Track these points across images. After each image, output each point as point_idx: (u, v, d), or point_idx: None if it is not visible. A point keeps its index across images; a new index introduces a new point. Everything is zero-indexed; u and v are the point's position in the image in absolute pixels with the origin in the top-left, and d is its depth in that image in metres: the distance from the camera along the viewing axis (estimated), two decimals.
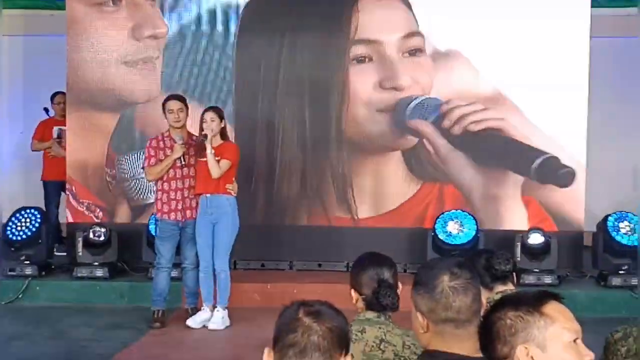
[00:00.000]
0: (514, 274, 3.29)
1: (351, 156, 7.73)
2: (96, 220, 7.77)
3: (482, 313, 2.29)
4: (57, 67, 8.30)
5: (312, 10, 7.72)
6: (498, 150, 7.56)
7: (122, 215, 7.95)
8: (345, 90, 7.63)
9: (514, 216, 7.56)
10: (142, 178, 7.74)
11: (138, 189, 7.89)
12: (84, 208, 7.96)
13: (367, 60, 7.61)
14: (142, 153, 7.71)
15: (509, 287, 3.18)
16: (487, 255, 3.22)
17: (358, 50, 7.62)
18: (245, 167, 7.14)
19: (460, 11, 7.64)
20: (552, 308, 1.87)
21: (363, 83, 7.61)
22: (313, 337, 1.87)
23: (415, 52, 7.59)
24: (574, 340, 1.85)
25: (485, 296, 3.02)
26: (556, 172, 7.49)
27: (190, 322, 6.42)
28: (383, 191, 7.75)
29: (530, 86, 7.59)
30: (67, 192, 7.98)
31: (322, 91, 7.69)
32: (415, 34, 7.59)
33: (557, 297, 1.90)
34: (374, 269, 2.99)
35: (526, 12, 7.61)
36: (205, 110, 6.39)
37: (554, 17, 7.58)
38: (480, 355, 2.21)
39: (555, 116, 7.59)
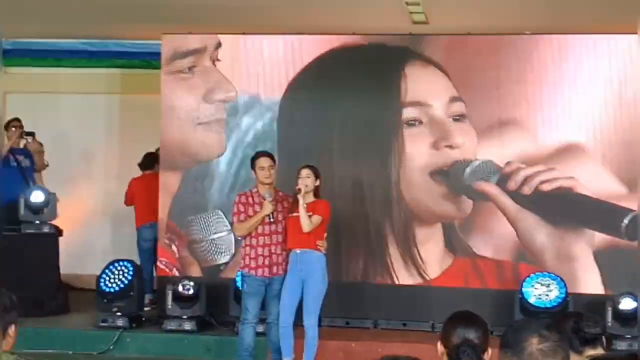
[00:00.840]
0: (604, 337, 3.22)
1: (412, 219, 7.77)
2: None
3: None
4: (152, 124, 8.62)
5: (362, 78, 7.91)
6: (572, 209, 7.49)
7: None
8: (402, 153, 7.76)
9: (589, 277, 7.43)
10: (213, 240, 7.98)
11: (211, 250, 8.05)
12: (163, 265, 8.19)
13: (417, 123, 7.75)
14: (214, 214, 7.99)
15: (599, 351, 3.11)
16: (576, 319, 3.17)
17: (409, 113, 7.76)
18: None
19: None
20: None
21: (418, 146, 7.73)
22: None
23: (459, 117, 7.70)
24: None
25: None
26: None
27: None
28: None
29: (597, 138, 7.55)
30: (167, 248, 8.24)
31: (379, 155, 7.81)
32: (457, 99, 7.72)
33: None
34: (463, 327, 3.00)
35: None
36: (302, 167, 6.56)
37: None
38: None
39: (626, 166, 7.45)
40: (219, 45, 8.11)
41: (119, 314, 7.58)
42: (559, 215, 7.50)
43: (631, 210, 7.33)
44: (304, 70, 8.03)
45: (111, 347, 7.38)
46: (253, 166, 6.61)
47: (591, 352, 3.11)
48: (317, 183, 6.51)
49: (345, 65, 8.03)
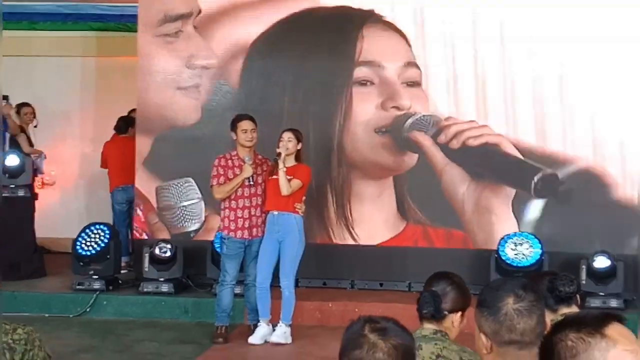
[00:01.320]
0: (578, 296, 3.26)
1: (351, 176, 7.82)
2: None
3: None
4: (128, 87, 8.53)
5: (320, 38, 7.92)
6: (495, 165, 7.67)
7: None
8: (349, 110, 7.78)
9: (504, 225, 7.55)
10: (184, 207, 7.96)
11: (181, 217, 8.04)
12: (134, 230, 8.23)
13: (369, 83, 7.78)
14: (185, 181, 7.96)
15: (573, 309, 3.14)
16: (551, 277, 3.19)
17: (361, 72, 7.79)
18: None
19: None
20: (614, 330, 1.86)
21: (365, 104, 7.78)
22: (378, 354, 1.89)
23: (413, 83, 7.73)
24: None
25: (550, 318, 3.00)
26: (556, 189, 7.49)
27: (251, 339, 6.49)
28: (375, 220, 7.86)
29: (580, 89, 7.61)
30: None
31: (326, 112, 7.82)
32: (413, 64, 7.75)
33: (619, 319, 1.89)
34: (435, 282, 3.06)
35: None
36: (285, 130, 6.56)
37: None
38: None
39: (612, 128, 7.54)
40: (199, 12, 8.02)
41: (95, 277, 7.56)
42: (482, 170, 7.67)
43: (543, 169, 7.51)
44: (265, 32, 7.97)
45: (87, 310, 7.37)
46: (234, 129, 6.56)
47: (566, 309, 3.14)
48: (299, 147, 6.49)
49: (305, 27, 8.01)
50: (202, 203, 7.93)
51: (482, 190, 7.66)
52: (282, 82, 7.96)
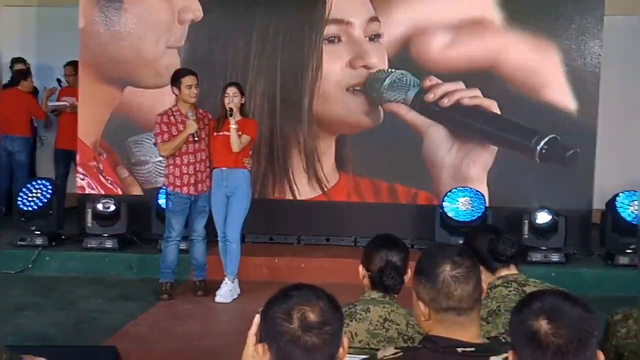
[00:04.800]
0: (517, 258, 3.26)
1: (320, 134, 7.79)
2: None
3: (483, 298, 2.32)
4: (70, 37, 8.31)
5: None
6: (485, 125, 7.58)
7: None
8: (319, 68, 7.71)
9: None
10: (158, 162, 7.82)
11: (155, 172, 7.94)
12: (109, 183, 8.05)
13: (336, 40, 7.72)
14: None
15: (512, 272, 3.15)
16: (491, 238, 3.17)
17: (330, 30, 7.73)
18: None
19: None
20: None
21: (334, 62, 7.72)
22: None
23: (374, 37, 7.69)
24: None
25: (487, 281, 3.03)
26: (564, 154, 7.50)
27: (219, 298, 6.47)
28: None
29: (540, 62, 7.56)
30: (93, 167, 8.04)
31: (295, 70, 7.75)
32: (375, 19, 7.70)
33: None
34: (386, 250, 3.02)
35: None
36: (228, 85, 6.47)
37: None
38: (481, 341, 2.23)
39: (565, 92, 7.54)
40: None
41: (37, 232, 7.44)
42: (469, 131, 7.59)
43: (545, 134, 7.47)
44: None
45: (30, 266, 7.26)
46: (177, 84, 6.43)
47: (504, 272, 3.14)
48: (243, 101, 6.43)
49: None
50: None
51: (465, 155, 7.57)
52: (246, 37, 7.80)
